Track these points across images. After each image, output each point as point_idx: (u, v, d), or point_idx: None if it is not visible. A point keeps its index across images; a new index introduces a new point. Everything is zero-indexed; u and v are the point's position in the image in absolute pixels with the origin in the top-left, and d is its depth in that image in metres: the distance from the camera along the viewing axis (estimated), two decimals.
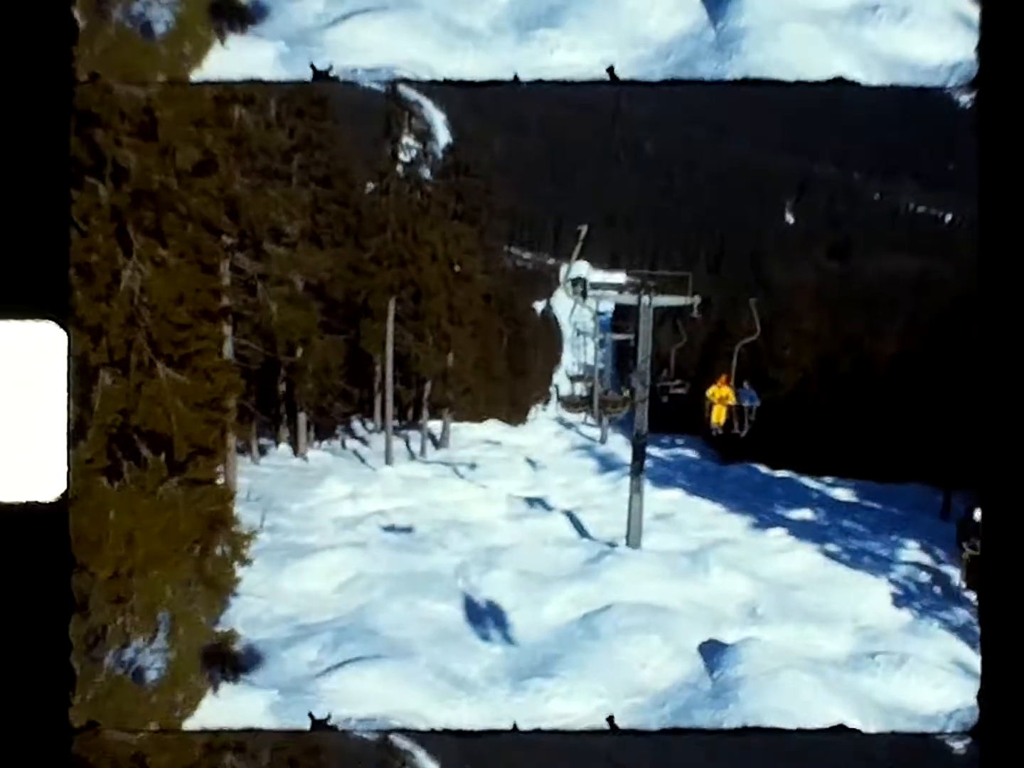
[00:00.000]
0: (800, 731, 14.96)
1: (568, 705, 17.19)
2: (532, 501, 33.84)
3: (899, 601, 23.45)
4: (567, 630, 20.45)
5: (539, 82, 11.36)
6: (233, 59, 11.31)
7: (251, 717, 15.47)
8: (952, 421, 39.95)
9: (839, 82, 11.13)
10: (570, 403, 34.46)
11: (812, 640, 20.65)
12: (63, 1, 9.13)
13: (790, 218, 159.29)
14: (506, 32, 12.20)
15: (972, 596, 24.08)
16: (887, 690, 18.39)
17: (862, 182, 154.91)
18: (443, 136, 50.34)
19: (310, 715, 14.70)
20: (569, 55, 11.78)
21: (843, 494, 41.94)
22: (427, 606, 21.16)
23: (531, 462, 44.44)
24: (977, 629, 18.13)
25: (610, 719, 14.86)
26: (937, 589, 24.63)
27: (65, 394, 8.42)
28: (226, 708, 15.09)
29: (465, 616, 21.00)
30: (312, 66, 11.03)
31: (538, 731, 15.24)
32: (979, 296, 9.19)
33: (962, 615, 22.67)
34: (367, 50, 11.90)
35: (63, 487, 8.46)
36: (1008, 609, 9.17)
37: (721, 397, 26.16)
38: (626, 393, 28.37)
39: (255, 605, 20.68)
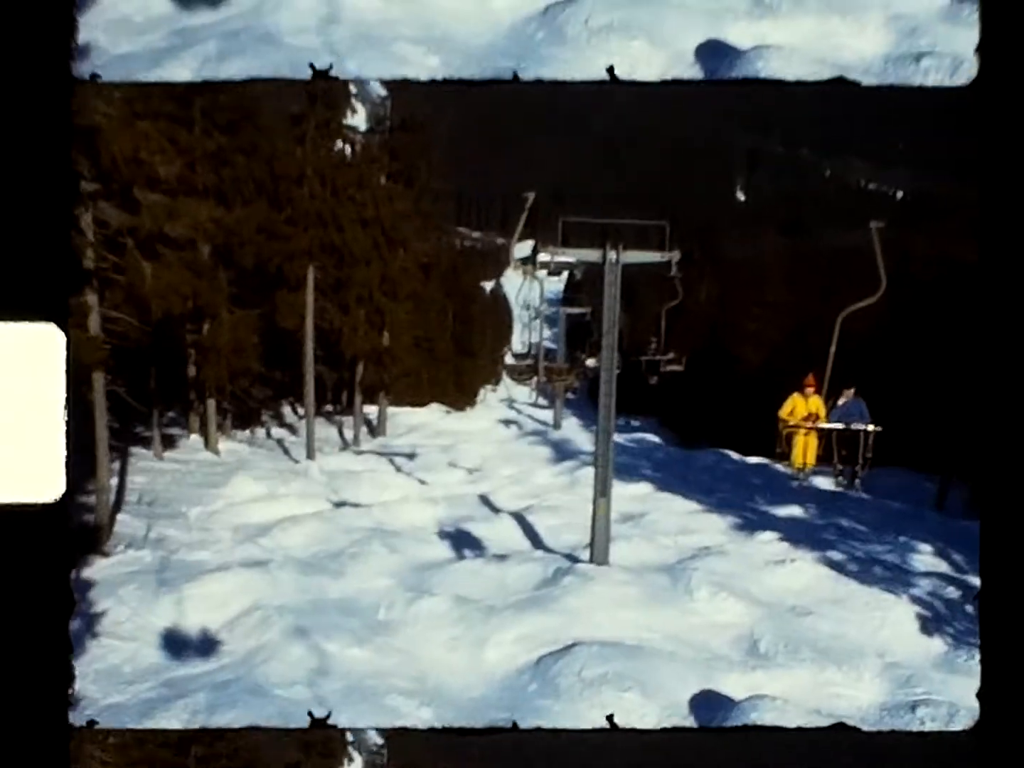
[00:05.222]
0: (800, 730, 13.92)
1: None
2: (476, 500, 29.92)
3: (927, 626, 18.90)
4: (518, 682, 15.94)
5: (539, 81, 11.58)
6: None
7: None
8: (930, 401, 37.11)
9: (839, 82, 11.41)
10: (515, 371, 31.90)
11: (834, 688, 16.20)
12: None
13: (741, 196, 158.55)
14: None
15: None
16: None
17: (812, 160, 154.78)
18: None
19: (309, 714, 13.14)
20: None
21: (825, 483, 38.34)
22: (335, 652, 16.61)
23: (477, 451, 40.74)
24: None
25: (610, 718, 13.54)
26: (969, 608, 20.15)
27: (64, 396, 8.39)
28: None
29: (384, 664, 16.42)
30: (311, 65, 10.93)
31: (538, 730, 13.98)
32: (979, 300, 9.16)
33: None
34: None
35: (62, 488, 8.41)
36: (1008, 607, 9.04)
37: (808, 416, 20.25)
38: (589, 362, 23.47)
39: (117, 651, 16.55)
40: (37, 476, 8.29)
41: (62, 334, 8.33)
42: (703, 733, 14.18)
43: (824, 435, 19.39)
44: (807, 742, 13.87)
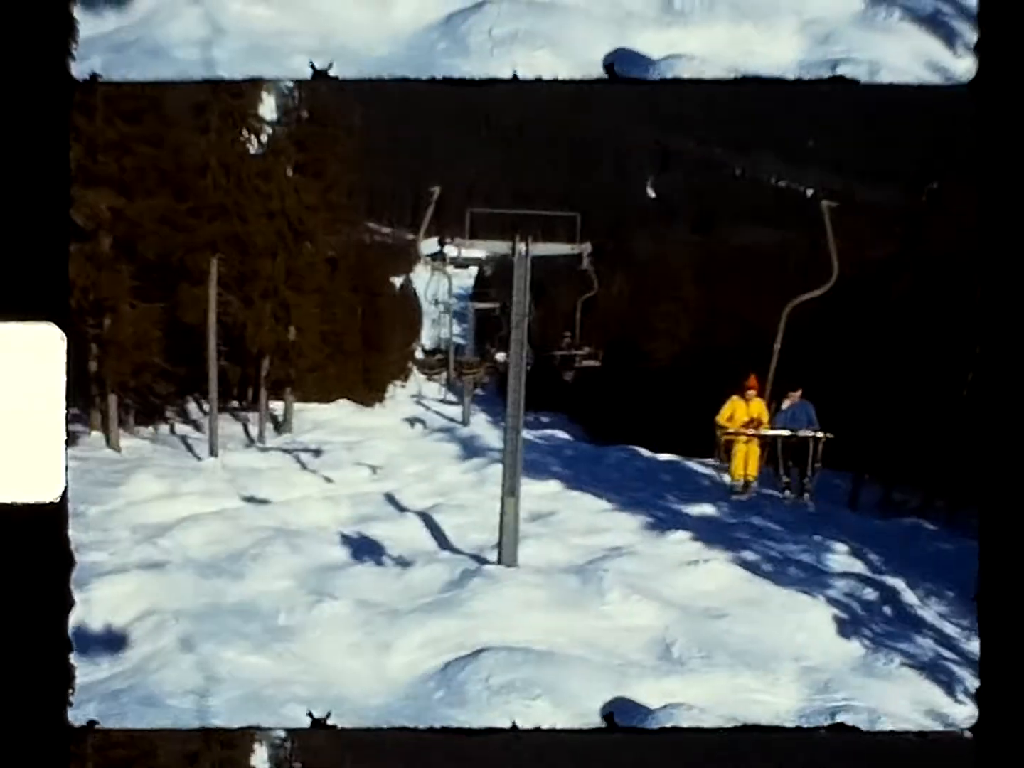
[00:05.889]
0: (799, 730, 14.29)
1: None
2: (381, 499, 29.26)
3: (845, 629, 18.63)
4: (423, 690, 15.38)
5: (538, 80, 11.57)
6: None
7: None
8: (845, 398, 37.14)
9: (838, 80, 11.37)
10: (425, 366, 31.35)
11: (750, 693, 15.80)
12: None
13: (652, 193, 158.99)
14: None
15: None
16: None
17: (724, 157, 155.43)
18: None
19: (309, 714, 13.01)
20: None
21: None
22: (233, 659, 15.89)
23: (383, 448, 40.24)
24: (951, 667, 17.20)
25: (609, 717, 13.95)
26: (887, 609, 20.00)
27: (64, 396, 8.37)
28: None
29: (284, 671, 15.73)
30: (311, 65, 10.97)
31: (538, 730, 13.81)
32: (979, 296, 9.29)
33: (926, 646, 18.10)
34: None
35: (61, 488, 8.35)
36: (1007, 605, 9.13)
37: (750, 422, 17.89)
38: (500, 357, 22.60)
39: None
40: (37, 476, 8.30)
41: (62, 334, 8.34)
42: (701, 733, 13.78)
43: (768, 443, 17.65)
44: (806, 742, 13.89)
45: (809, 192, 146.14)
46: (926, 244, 36.69)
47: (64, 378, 8.32)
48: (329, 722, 13.08)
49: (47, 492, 8.30)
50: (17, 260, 8.66)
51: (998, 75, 9.18)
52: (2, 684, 8.68)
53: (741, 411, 17.17)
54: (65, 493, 8.37)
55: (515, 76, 11.18)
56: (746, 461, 17.35)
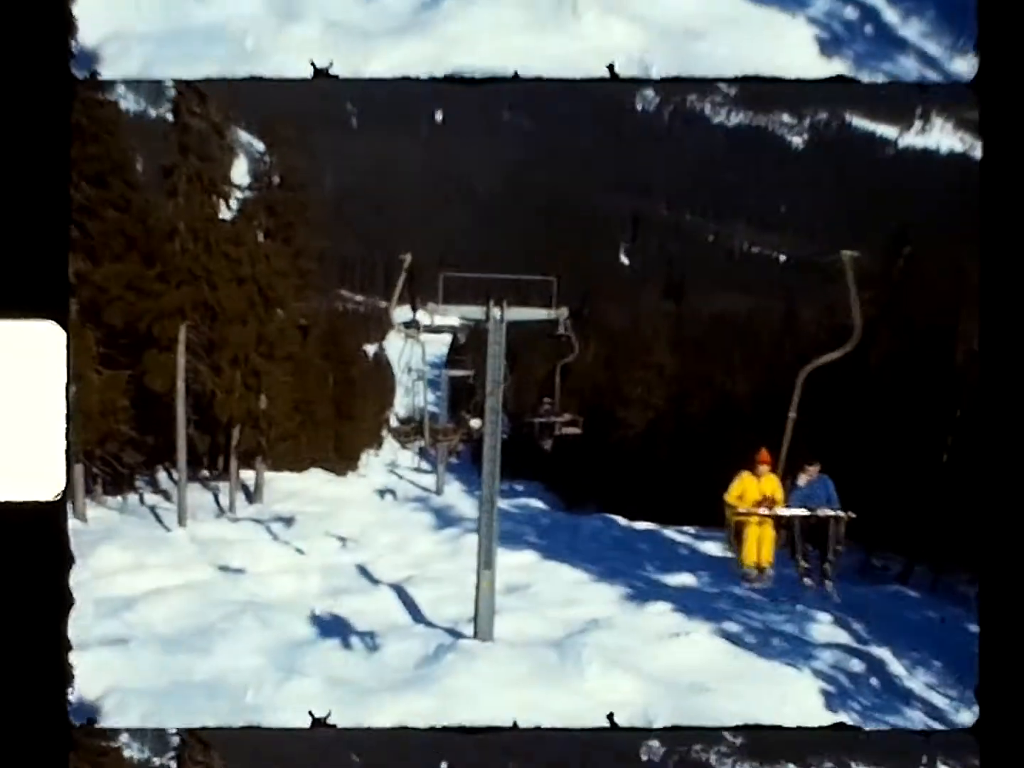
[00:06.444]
0: (800, 729, 14.45)
1: None
2: (354, 571, 28.72)
3: (832, 702, 18.02)
4: None
5: (538, 79, 11.62)
6: None
7: None
8: (824, 463, 36.86)
9: (839, 80, 11.47)
10: (399, 433, 30.98)
11: None
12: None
13: (624, 259, 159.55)
14: None
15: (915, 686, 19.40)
16: None
17: (695, 223, 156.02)
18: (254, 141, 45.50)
19: (310, 713, 13.66)
20: None
21: (715, 548, 37.63)
22: None
23: (356, 518, 39.71)
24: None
25: (610, 716, 14.21)
26: (874, 681, 19.51)
27: (64, 393, 8.63)
28: None
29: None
30: (312, 63, 11.06)
31: (538, 728, 14.33)
32: (979, 293, 9.39)
33: (916, 719, 17.40)
34: None
35: (61, 486, 8.76)
36: (1006, 607, 9.31)
37: (762, 501, 15.96)
38: (475, 424, 22.02)
39: None
40: (36, 474, 8.62)
41: (62, 331, 8.63)
42: (703, 731, 14.66)
43: (783, 524, 15.80)
44: (809, 740, 14.71)
45: (781, 258, 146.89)
46: (904, 308, 36.48)
47: (65, 376, 8.65)
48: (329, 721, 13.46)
49: (47, 491, 8.73)
50: (18, 258, 8.88)
51: (998, 75, 9.38)
52: (2, 682, 8.99)
53: (752, 488, 15.28)
54: (65, 492, 8.79)
55: (515, 75, 11.20)
56: (759, 545, 15.69)
